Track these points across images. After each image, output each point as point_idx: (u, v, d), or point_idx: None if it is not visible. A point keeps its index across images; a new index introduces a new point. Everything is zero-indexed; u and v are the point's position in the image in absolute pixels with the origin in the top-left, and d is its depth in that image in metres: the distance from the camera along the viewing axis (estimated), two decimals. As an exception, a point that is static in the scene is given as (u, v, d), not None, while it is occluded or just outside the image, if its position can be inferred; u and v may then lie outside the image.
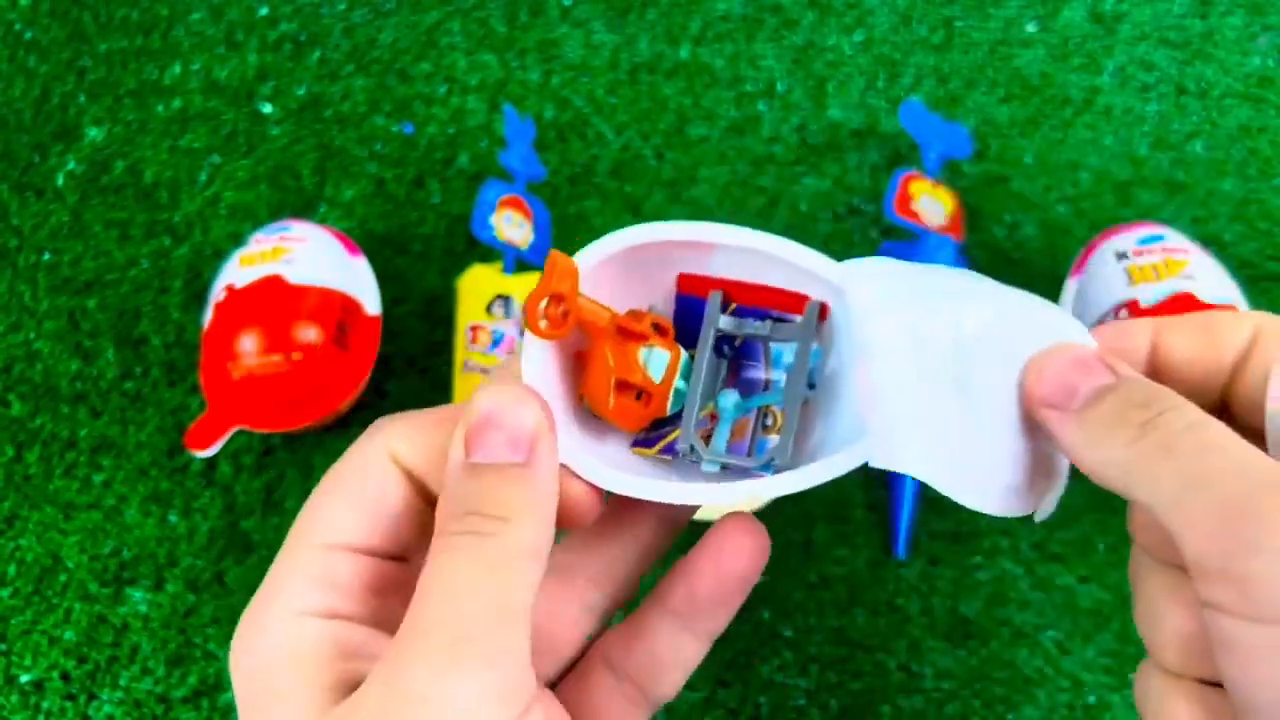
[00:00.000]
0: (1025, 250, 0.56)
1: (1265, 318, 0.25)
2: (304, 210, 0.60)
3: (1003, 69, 0.62)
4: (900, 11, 0.64)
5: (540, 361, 0.27)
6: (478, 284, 0.53)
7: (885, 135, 0.60)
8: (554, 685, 0.28)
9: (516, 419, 0.23)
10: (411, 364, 0.56)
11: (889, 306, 0.28)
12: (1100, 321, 0.48)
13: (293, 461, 0.53)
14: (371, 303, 0.53)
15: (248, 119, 0.63)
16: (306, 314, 0.50)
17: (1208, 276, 0.48)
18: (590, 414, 0.29)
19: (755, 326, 0.30)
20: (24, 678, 0.50)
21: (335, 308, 0.51)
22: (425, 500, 0.25)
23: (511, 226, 0.54)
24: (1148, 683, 0.24)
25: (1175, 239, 0.50)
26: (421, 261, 0.58)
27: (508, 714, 0.21)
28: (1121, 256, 0.49)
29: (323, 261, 0.52)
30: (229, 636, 0.50)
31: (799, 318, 0.29)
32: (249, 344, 0.49)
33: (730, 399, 0.30)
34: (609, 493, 0.27)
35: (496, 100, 0.62)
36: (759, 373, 0.30)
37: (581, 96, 0.62)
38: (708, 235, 0.29)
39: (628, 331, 0.29)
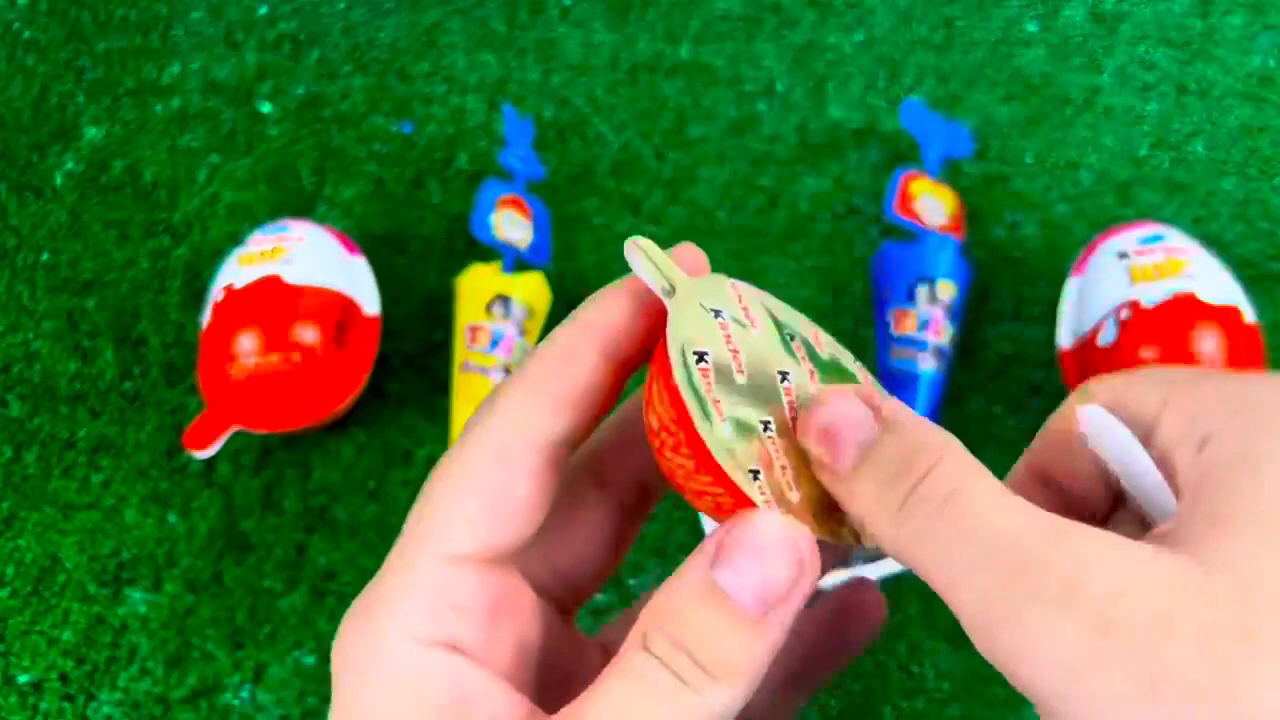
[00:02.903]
0: (1026, 250, 0.56)
1: (1171, 387, 0.21)
2: (303, 210, 0.60)
3: (1003, 68, 0.62)
4: (900, 11, 0.64)
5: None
6: (477, 284, 0.53)
7: (885, 134, 0.60)
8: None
9: (777, 565, 0.20)
10: (410, 364, 0.56)
11: None
12: (1103, 320, 0.48)
13: (291, 462, 0.53)
14: (370, 303, 0.53)
15: (247, 119, 0.63)
16: (305, 314, 0.50)
17: (1209, 276, 0.48)
18: None
19: None
20: (22, 678, 0.50)
21: (334, 308, 0.51)
22: (555, 466, 0.23)
23: (511, 226, 0.54)
24: None
25: (1176, 239, 0.50)
26: (420, 261, 0.58)
27: None
28: (1123, 256, 0.49)
29: (321, 261, 0.52)
30: (227, 637, 0.50)
31: None
32: (248, 344, 0.49)
33: None
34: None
35: (496, 100, 0.62)
36: None
37: (581, 96, 0.62)
38: None
39: None
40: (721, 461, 0.20)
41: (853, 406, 0.21)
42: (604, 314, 0.23)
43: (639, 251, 0.22)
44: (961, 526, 0.19)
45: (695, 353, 0.21)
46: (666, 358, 0.21)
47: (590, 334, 0.23)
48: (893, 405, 0.21)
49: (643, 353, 0.23)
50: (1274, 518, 0.18)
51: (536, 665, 0.23)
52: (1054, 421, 0.23)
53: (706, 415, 0.21)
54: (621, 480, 0.25)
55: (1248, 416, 0.19)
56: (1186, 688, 0.16)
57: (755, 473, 0.21)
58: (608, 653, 0.25)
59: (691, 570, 0.20)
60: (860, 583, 0.27)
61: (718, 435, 0.21)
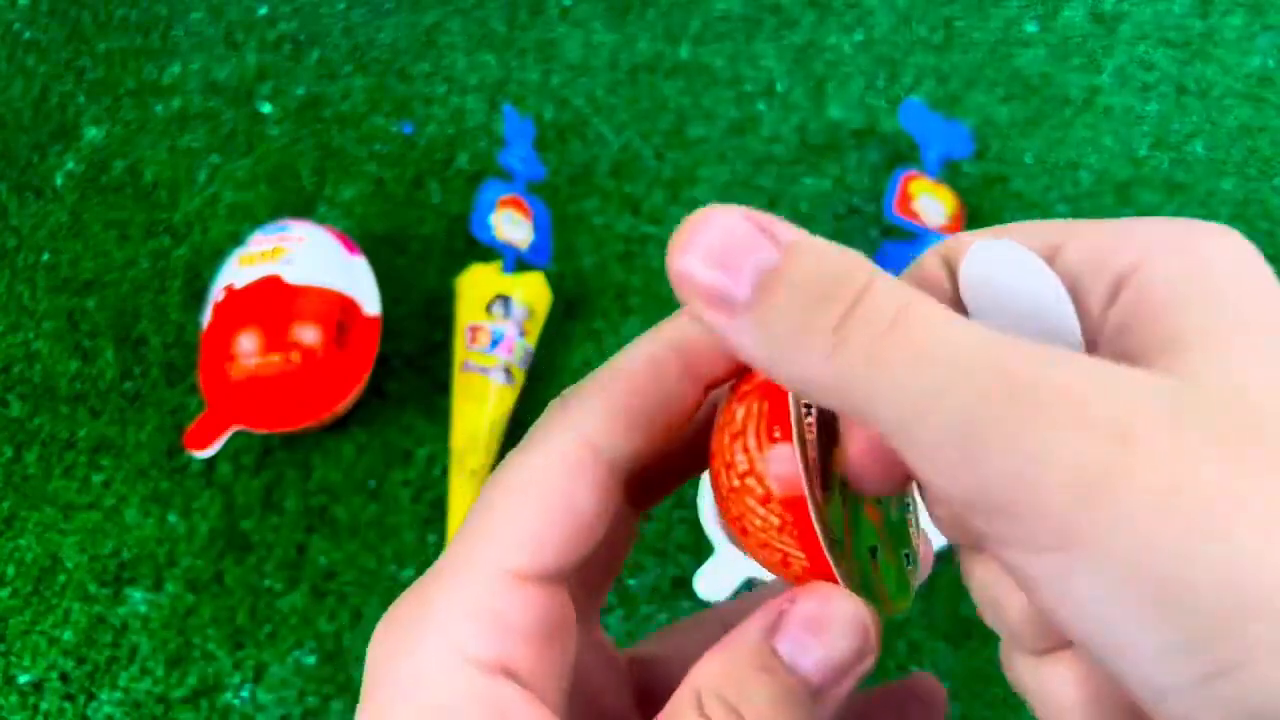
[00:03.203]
0: (1025, 250, 0.56)
1: (1161, 231, 0.19)
2: (303, 210, 0.60)
3: (1003, 69, 0.62)
4: (900, 11, 0.64)
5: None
6: (477, 284, 0.53)
7: (885, 135, 0.60)
8: None
9: (842, 644, 0.20)
10: (410, 364, 0.56)
11: None
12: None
13: (292, 462, 0.53)
14: (370, 303, 0.53)
15: (247, 119, 0.63)
16: (305, 314, 0.50)
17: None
18: None
19: None
20: (23, 678, 0.50)
21: (334, 308, 0.51)
22: (620, 484, 0.22)
23: (511, 226, 0.54)
24: (1013, 662, 0.20)
25: (1176, 239, 0.50)
26: (421, 261, 0.58)
27: None
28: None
29: (322, 261, 0.52)
30: (228, 637, 0.50)
31: None
32: (248, 344, 0.49)
33: None
34: None
35: (496, 100, 0.62)
36: None
37: (581, 96, 0.62)
38: None
39: None
40: (819, 533, 0.19)
41: (736, 221, 0.18)
42: (694, 328, 0.21)
43: None
44: (922, 346, 0.16)
45: (804, 405, 0.20)
46: (773, 400, 0.20)
47: (681, 353, 0.21)
48: (791, 228, 0.18)
49: (728, 374, 0.22)
50: (1246, 330, 0.17)
51: (571, 685, 0.22)
52: (909, 277, 0.21)
53: (811, 482, 0.19)
54: (641, 480, 0.24)
55: (1174, 253, 0.18)
56: (1208, 497, 0.15)
57: (838, 542, 0.20)
58: (636, 667, 0.25)
59: (749, 636, 0.20)
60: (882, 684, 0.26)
61: (819, 503, 0.19)
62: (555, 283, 0.56)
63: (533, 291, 0.53)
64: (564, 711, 0.21)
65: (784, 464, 0.19)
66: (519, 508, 0.21)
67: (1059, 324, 0.18)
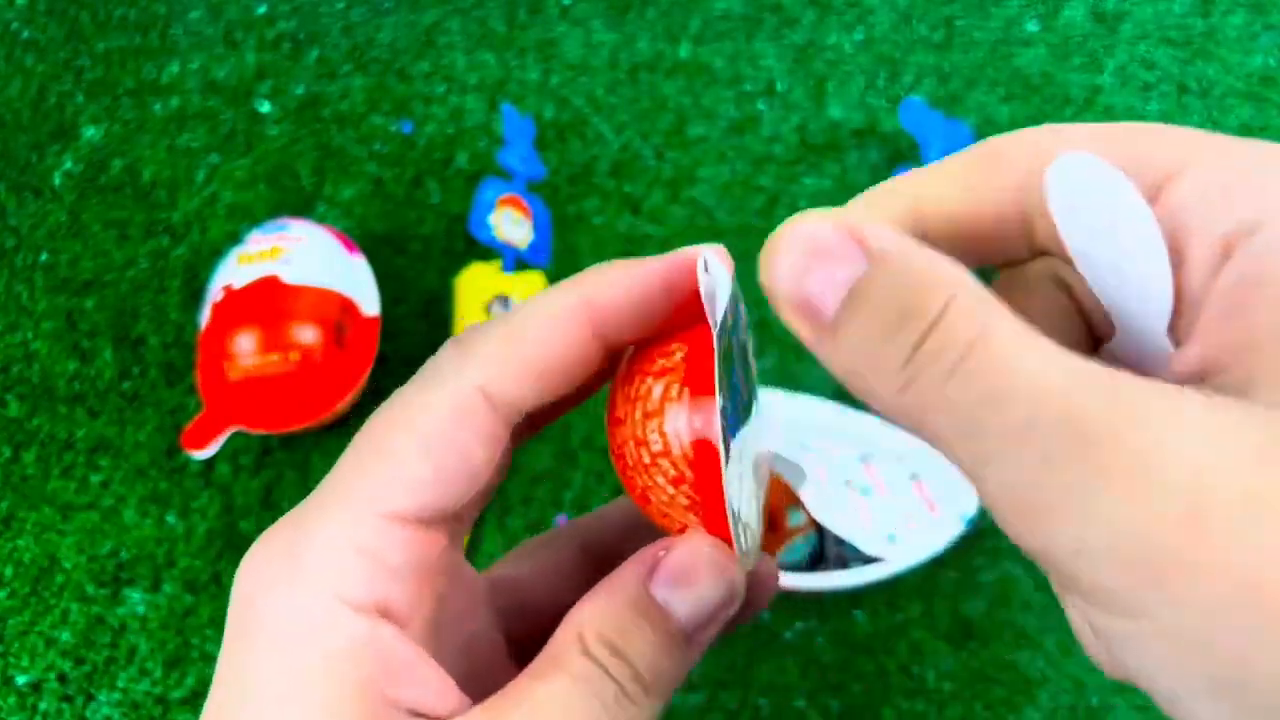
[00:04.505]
0: (1026, 250, 0.56)
1: (1192, 147, 0.16)
2: (303, 210, 0.59)
3: (1004, 68, 0.61)
4: (901, 10, 0.64)
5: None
6: (476, 283, 0.53)
7: (886, 134, 0.60)
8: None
9: (711, 591, 0.20)
10: (410, 364, 0.55)
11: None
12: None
13: (291, 462, 0.53)
14: (370, 303, 0.53)
15: (246, 118, 0.63)
16: (304, 314, 0.50)
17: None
18: None
19: None
20: (21, 679, 0.50)
21: (333, 308, 0.51)
22: (509, 431, 0.21)
23: (511, 225, 0.54)
24: None
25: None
26: (420, 261, 0.58)
27: None
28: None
29: (321, 261, 0.52)
30: (227, 638, 0.50)
31: None
32: (246, 344, 0.49)
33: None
34: None
35: (495, 99, 0.62)
36: None
37: (581, 96, 0.62)
38: None
39: None
40: (731, 524, 0.20)
41: (828, 233, 0.17)
42: (611, 291, 0.21)
43: (726, 271, 0.20)
44: (988, 388, 0.15)
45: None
46: (695, 387, 0.19)
47: (593, 310, 0.21)
48: (880, 232, 0.17)
49: (636, 337, 0.21)
50: None
51: (438, 616, 0.22)
52: (984, 155, 0.18)
53: (727, 462, 0.19)
54: (534, 416, 0.24)
55: None
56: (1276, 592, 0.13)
57: (735, 513, 0.20)
58: (497, 587, 0.25)
59: (628, 581, 0.20)
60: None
61: (729, 483, 0.19)
62: (555, 282, 0.56)
63: (532, 291, 0.53)
64: (433, 643, 0.21)
65: (705, 460, 0.19)
66: (407, 450, 0.20)
67: (1149, 275, 0.16)
